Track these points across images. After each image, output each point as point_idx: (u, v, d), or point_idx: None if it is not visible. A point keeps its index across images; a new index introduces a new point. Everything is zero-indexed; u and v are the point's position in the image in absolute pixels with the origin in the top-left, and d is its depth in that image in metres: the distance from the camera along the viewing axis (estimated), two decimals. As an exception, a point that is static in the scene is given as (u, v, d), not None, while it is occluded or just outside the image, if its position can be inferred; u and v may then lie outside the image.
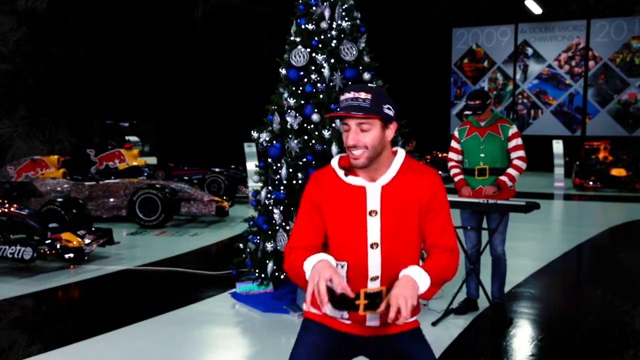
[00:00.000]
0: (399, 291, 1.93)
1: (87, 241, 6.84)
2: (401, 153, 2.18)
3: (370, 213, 2.09)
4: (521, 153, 4.92)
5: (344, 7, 5.40)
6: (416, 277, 2.00)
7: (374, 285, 2.11)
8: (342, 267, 2.11)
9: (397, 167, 2.14)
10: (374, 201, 2.10)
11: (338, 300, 2.05)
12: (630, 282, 6.35)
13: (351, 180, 2.13)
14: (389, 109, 2.09)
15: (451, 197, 4.94)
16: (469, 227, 5.00)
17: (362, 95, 2.05)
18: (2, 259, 6.33)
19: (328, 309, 2.13)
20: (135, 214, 9.47)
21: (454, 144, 5.17)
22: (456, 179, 5.09)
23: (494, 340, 4.56)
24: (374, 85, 2.19)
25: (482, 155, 4.96)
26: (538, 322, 5.01)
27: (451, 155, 5.18)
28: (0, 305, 5.39)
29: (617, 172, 15.11)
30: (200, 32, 16.65)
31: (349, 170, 2.15)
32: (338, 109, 2.10)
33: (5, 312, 5.21)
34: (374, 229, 2.09)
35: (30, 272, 6.44)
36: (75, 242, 6.63)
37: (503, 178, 4.88)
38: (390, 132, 2.12)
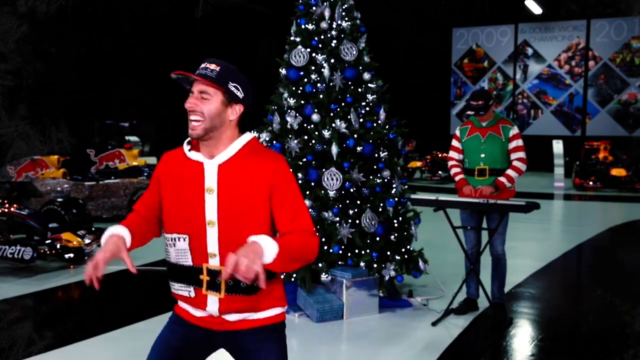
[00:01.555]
0: (238, 251, 1.86)
1: (87, 241, 6.84)
2: (247, 135, 2.16)
3: (207, 190, 2.07)
4: (521, 154, 4.91)
5: (344, 7, 5.40)
6: (262, 241, 1.93)
7: (214, 262, 2.08)
8: (184, 240, 2.10)
9: (238, 147, 2.11)
10: (211, 178, 2.08)
11: (184, 273, 2.12)
12: (630, 282, 6.35)
13: (192, 155, 2.13)
14: (236, 88, 2.09)
15: (451, 197, 4.96)
16: (468, 227, 5.00)
17: (212, 66, 2.07)
18: (2, 259, 6.33)
19: (177, 285, 2.19)
20: (135, 214, 9.46)
21: (454, 143, 5.16)
22: (457, 178, 5.09)
23: (494, 340, 4.56)
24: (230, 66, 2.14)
25: (483, 155, 4.95)
26: (538, 322, 5.01)
27: (452, 154, 5.18)
28: (0, 305, 5.39)
29: (617, 172, 15.12)
30: (200, 32, 16.65)
31: (192, 145, 2.17)
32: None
33: (5, 312, 5.21)
34: (211, 207, 2.07)
35: (30, 272, 6.44)
36: (75, 242, 6.63)
37: (501, 179, 4.87)
38: (233, 112, 2.10)
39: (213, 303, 2.10)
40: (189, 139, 2.17)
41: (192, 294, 2.14)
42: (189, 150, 2.15)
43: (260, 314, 2.14)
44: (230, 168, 2.09)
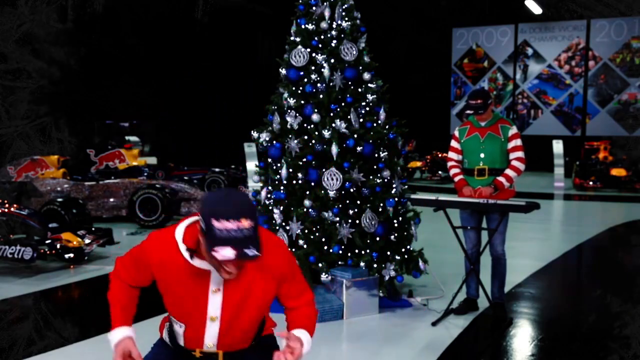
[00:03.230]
0: (296, 341, 2.01)
1: (87, 241, 6.84)
2: None
3: (212, 291, 2.02)
4: (520, 154, 4.91)
5: (344, 7, 5.40)
6: (302, 337, 2.07)
7: (208, 350, 2.13)
8: (180, 327, 2.11)
9: None
10: (217, 281, 2.01)
11: (178, 348, 2.17)
12: (630, 282, 6.35)
13: (197, 263, 1.99)
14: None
15: (451, 197, 4.96)
16: (468, 227, 5.00)
17: (247, 224, 1.80)
18: (2, 259, 6.32)
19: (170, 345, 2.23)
20: (135, 214, 9.47)
21: (454, 143, 5.16)
22: (456, 179, 5.09)
23: (494, 340, 4.56)
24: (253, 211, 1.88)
25: (482, 155, 4.95)
26: (538, 322, 5.01)
27: (451, 154, 5.18)
28: (0, 305, 5.39)
29: (617, 172, 15.12)
30: (200, 32, 16.65)
31: (193, 251, 1.99)
32: (217, 242, 1.80)
33: (5, 312, 5.21)
34: (215, 305, 2.03)
35: (30, 272, 6.44)
36: (75, 242, 6.63)
37: (500, 179, 4.87)
38: None
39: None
40: (181, 236, 2.01)
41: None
42: (191, 257, 1.99)
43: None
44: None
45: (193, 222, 2.02)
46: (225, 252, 1.78)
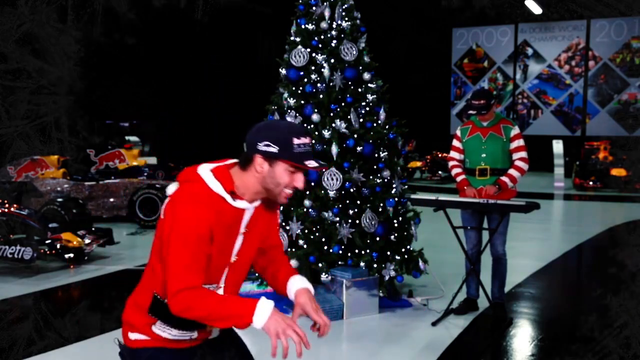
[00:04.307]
0: (313, 307, 2.05)
1: (87, 241, 6.84)
2: None
3: (243, 234, 2.07)
4: (523, 154, 4.91)
5: (344, 7, 5.40)
6: (309, 286, 2.14)
7: None
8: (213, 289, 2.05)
9: None
10: (247, 221, 2.07)
11: (186, 320, 1.97)
12: (630, 282, 6.35)
13: (239, 204, 2.01)
14: (267, 145, 2.00)
15: (452, 197, 4.96)
16: (469, 227, 5.00)
17: (309, 140, 2.01)
18: (2, 259, 6.33)
19: (175, 332, 2.07)
20: (135, 214, 9.47)
21: (455, 143, 5.16)
22: (458, 179, 5.09)
23: (494, 340, 4.56)
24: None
25: (484, 155, 4.95)
26: (538, 322, 5.01)
27: (453, 154, 5.18)
28: (0, 305, 5.39)
29: (617, 172, 15.12)
30: (200, 32, 16.65)
31: (235, 194, 2.02)
32: (302, 156, 1.96)
33: (5, 312, 5.21)
34: (236, 248, 2.08)
35: (30, 272, 6.44)
36: (75, 242, 6.63)
37: (504, 179, 4.87)
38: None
39: (216, 331, 2.17)
40: (217, 183, 2.01)
41: (195, 336, 2.11)
42: (233, 199, 2.01)
43: None
44: (259, 208, 2.10)
45: (219, 168, 2.04)
46: (311, 163, 1.96)
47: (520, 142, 4.93)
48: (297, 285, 2.13)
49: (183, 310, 1.89)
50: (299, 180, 2.00)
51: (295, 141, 1.94)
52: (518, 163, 4.90)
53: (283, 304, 5.14)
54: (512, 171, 4.89)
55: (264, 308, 1.88)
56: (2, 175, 11.01)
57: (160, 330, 2.06)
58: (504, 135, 4.92)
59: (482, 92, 5.00)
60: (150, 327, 2.07)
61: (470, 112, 4.97)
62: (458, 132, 5.16)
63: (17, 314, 5.18)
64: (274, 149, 1.94)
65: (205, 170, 2.03)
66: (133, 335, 2.11)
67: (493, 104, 4.94)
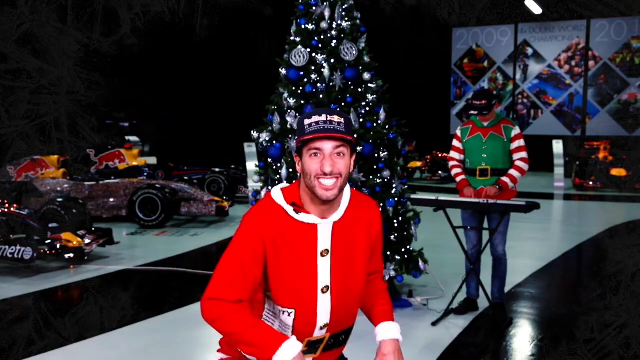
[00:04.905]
0: (392, 355, 2.00)
1: (87, 241, 6.84)
2: (347, 187, 2.01)
3: (321, 253, 1.91)
4: (523, 154, 4.92)
5: (344, 7, 5.40)
6: (398, 336, 2.06)
7: (319, 334, 1.98)
8: (289, 315, 1.92)
9: (347, 201, 1.98)
10: (325, 240, 1.91)
11: None
12: (630, 282, 6.35)
13: (303, 217, 1.90)
14: (354, 138, 2.01)
15: (452, 197, 4.96)
16: (469, 227, 5.00)
17: (336, 119, 1.86)
18: (2, 259, 6.33)
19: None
20: (135, 214, 9.47)
21: (456, 143, 5.16)
22: (458, 179, 5.09)
23: (494, 340, 4.56)
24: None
25: (484, 155, 4.95)
26: (538, 322, 5.01)
27: (453, 154, 5.18)
28: (0, 305, 5.39)
29: (617, 172, 15.12)
30: (201, 32, 16.66)
31: (298, 206, 1.92)
32: (308, 133, 1.86)
33: (5, 312, 5.21)
34: (324, 271, 1.92)
35: (30, 272, 6.44)
36: (75, 242, 6.63)
37: (505, 179, 4.87)
38: (353, 162, 1.96)
39: None
40: (281, 195, 1.94)
41: None
42: (296, 212, 1.91)
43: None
44: (343, 226, 1.95)
45: (289, 186, 1.97)
46: (312, 119, 1.85)
47: (520, 143, 4.93)
48: (386, 334, 2.04)
49: (212, 319, 1.87)
50: (326, 165, 1.84)
51: (307, 122, 1.87)
52: (518, 163, 4.91)
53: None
54: (512, 171, 4.90)
55: (290, 350, 1.79)
56: (2, 175, 11.02)
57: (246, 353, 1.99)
58: (504, 135, 4.92)
59: (484, 93, 5.00)
60: (226, 342, 2.06)
61: (472, 112, 4.97)
62: (458, 132, 5.16)
63: (17, 314, 5.18)
64: (295, 140, 1.95)
65: (277, 188, 1.97)
66: (217, 356, 2.10)
67: (494, 104, 4.95)
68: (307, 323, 1.94)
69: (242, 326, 1.82)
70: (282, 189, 1.96)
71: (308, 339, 1.96)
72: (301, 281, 1.90)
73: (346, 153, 1.88)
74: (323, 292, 1.92)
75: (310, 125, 1.85)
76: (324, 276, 1.92)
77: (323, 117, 1.85)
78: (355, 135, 5.15)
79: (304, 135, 1.86)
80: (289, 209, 1.90)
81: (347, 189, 2.00)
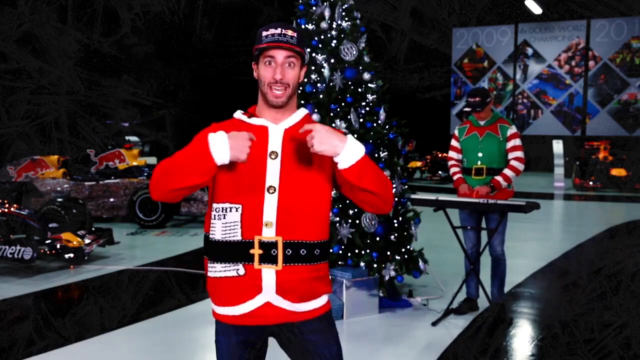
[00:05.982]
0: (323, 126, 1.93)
1: (87, 241, 6.84)
2: (303, 109, 2.16)
3: (270, 155, 2.01)
4: (519, 154, 4.91)
5: (344, 7, 5.40)
6: (350, 138, 1.95)
7: (268, 233, 1.99)
8: (237, 210, 2.00)
9: (302, 114, 2.12)
10: (275, 142, 2.03)
11: (231, 249, 1.99)
12: (630, 282, 6.35)
13: (254, 120, 2.07)
14: (305, 51, 2.12)
15: (451, 197, 4.96)
16: (468, 227, 5.00)
17: (289, 32, 2.03)
18: (2, 259, 6.33)
19: (218, 267, 2.02)
20: (135, 214, 9.47)
21: (454, 142, 5.17)
22: (455, 177, 5.10)
23: (494, 340, 4.56)
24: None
25: (480, 154, 4.96)
26: (538, 322, 5.01)
27: (451, 154, 5.19)
28: (0, 305, 5.39)
29: (617, 172, 15.12)
30: (201, 32, 16.66)
31: (253, 115, 2.12)
32: (262, 43, 2.03)
33: (5, 312, 5.21)
34: (273, 172, 2.00)
35: (30, 272, 6.44)
36: (75, 242, 6.63)
37: (498, 178, 4.87)
38: (303, 73, 2.11)
39: (270, 277, 1.99)
40: (240, 111, 2.14)
41: (242, 272, 2.00)
42: (249, 117, 2.10)
43: (314, 302, 2.07)
44: (295, 133, 2.04)
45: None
46: (269, 31, 2.02)
47: (516, 142, 4.92)
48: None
49: (156, 178, 1.97)
50: (277, 72, 2.01)
51: (264, 33, 2.04)
52: (513, 163, 4.90)
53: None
54: (506, 171, 4.89)
55: (217, 139, 1.88)
56: (2, 175, 11.01)
57: (210, 272, 2.06)
58: (500, 134, 4.93)
59: (478, 90, 5.03)
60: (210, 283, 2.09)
61: (466, 109, 5.00)
62: (456, 132, 5.18)
63: (17, 314, 5.19)
64: (254, 50, 2.07)
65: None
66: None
67: (489, 102, 4.95)
68: (253, 220, 2.00)
69: (175, 159, 1.95)
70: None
71: (259, 238, 1.99)
72: (249, 179, 2.01)
73: (296, 64, 2.05)
74: (269, 192, 2.00)
75: (266, 36, 2.03)
76: (272, 177, 2.01)
77: (278, 30, 2.03)
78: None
79: (260, 43, 2.04)
80: (243, 117, 2.11)
81: (304, 109, 2.15)
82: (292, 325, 2.07)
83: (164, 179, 1.95)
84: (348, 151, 1.92)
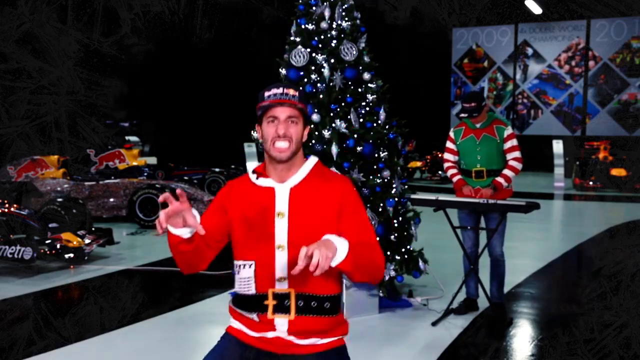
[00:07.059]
0: (315, 244, 1.91)
1: (87, 241, 6.84)
2: (313, 159, 2.23)
3: (277, 215, 2.11)
4: (517, 154, 4.92)
5: (344, 7, 5.40)
6: (335, 240, 1.97)
7: (281, 286, 2.12)
8: (250, 266, 2.14)
9: (307, 170, 2.19)
10: (282, 202, 2.13)
11: (247, 300, 2.15)
12: (630, 282, 6.35)
13: (261, 182, 2.18)
14: (307, 110, 2.20)
15: (451, 197, 4.96)
16: (468, 227, 5.00)
17: (291, 92, 2.12)
18: (2, 259, 6.33)
19: (239, 310, 2.20)
20: (135, 214, 9.47)
21: (449, 144, 5.18)
22: (454, 179, 5.10)
23: (494, 340, 4.56)
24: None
25: (479, 157, 4.96)
26: (538, 322, 5.01)
27: (447, 156, 5.20)
28: (0, 305, 5.39)
29: (617, 172, 15.11)
30: (201, 32, 16.66)
31: (259, 173, 2.21)
32: (265, 101, 2.13)
33: (5, 312, 5.21)
34: (281, 231, 2.11)
35: (30, 272, 6.44)
36: (75, 242, 6.63)
37: (499, 179, 4.88)
38: (306, 133, 2.19)
39: (282, 325, 2.12)
40: (253, 168, 2.24)
41: (256, 319, 2.16)
42: (257, 178, 2.20)
43: (328, 338, 2.19)
44: (301, 191, 2.14)
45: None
46: (271, 91, 2.12)
47: (513, 142, 4.94)
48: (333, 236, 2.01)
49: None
50: (280, 128, 2.10)
51: (266, 93, 2.14)
52: (512, 163, 4.92)
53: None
54: (506, 171, 4.91)
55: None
56: (2, 175, 11.02)
57: (234, 310, 2.25)
58: (497, 136, 4.94)
59: (473, 95, 5.01)
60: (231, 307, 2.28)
61: (462, 115, 4.99)
62: (451, 134, 5.18)
63: (17, 314, 5.19)
64: (257, 109, 2.15)
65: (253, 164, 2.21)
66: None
67: (484, 106, 4.95)
68: (266, 275, 2.12)
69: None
70: (257, 166, 2.28)
71: (272, 290, 2.12)
72: (259, 238, 2.13)
73: (299, 122, 2.14)
74: (279, 249, 2.11)
75: (269, 95, 2.13)
76: (280, 236, 2.11)
77: (280, 90, 2.12)
78: (355, 135, 5.16)
79: (263, 101, 2.14)
80: (252, 176, 2.21)
81: (311, 161, 2.22)
82: (302, 357, 2.16)
83: (186, 270, 2.23)
84: (339, 252, 1.97)
